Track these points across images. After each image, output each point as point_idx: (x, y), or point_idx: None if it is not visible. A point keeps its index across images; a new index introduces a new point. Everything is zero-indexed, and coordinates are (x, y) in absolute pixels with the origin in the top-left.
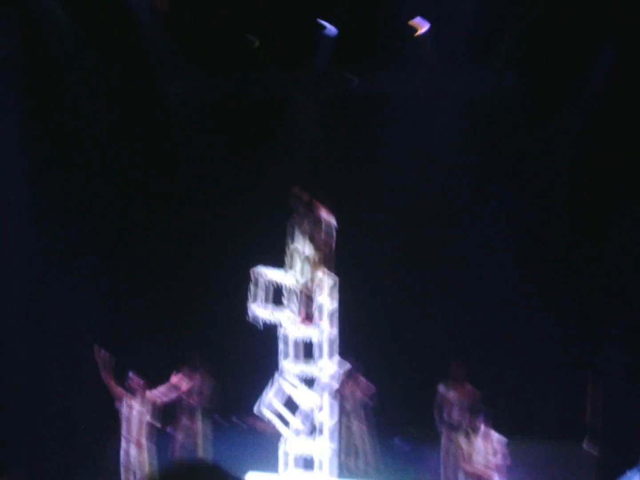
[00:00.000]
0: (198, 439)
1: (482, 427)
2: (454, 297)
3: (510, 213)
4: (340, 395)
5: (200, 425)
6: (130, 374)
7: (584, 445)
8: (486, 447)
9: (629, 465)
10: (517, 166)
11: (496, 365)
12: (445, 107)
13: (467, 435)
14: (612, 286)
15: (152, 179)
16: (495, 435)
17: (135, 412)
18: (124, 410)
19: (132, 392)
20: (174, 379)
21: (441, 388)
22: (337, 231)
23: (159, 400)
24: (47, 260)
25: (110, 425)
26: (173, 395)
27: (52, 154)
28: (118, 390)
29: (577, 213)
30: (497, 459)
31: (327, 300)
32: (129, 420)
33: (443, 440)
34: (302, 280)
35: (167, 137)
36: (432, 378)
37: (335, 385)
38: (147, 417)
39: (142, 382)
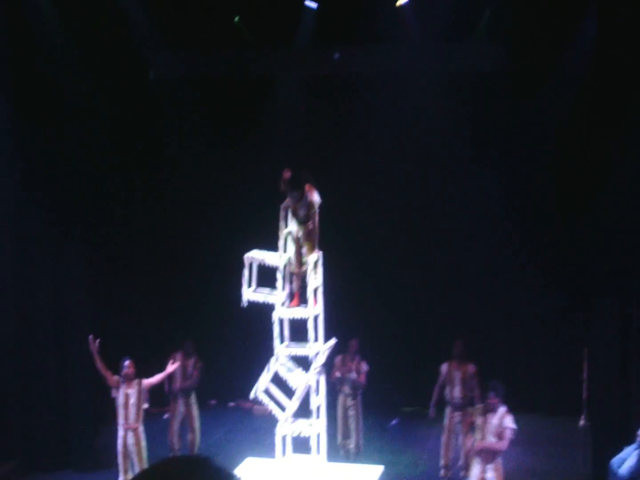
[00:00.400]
0: (194, 424)
1: (502, 408)
2: (448, 275)
3: (499, 186)
4: (337, 376)
5: (195, 410)
6: (126, 362)
7: (581, 422)
8: (498, 429)
9: (626, 440)
10: (505, 138)
11: (492, 343)
12: (430, 82)
13: (484, 414)
14: (606, 262)
15: (142, 165)
16: (509, 422)
17: (132, 400)
18: (121, 398)
19: (128, 380)
20: (171, 367)
21: (444, 367)
22: (323, 209)
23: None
24: (37, 248)
25: (103, 412)
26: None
27: (37, 139)
28: (114, 379)
29: (567, 184)
30: (503, 444)
31: (321, 281)
32: (126, 408)
33: (445, 421)
34: (296, 263)
35: (153, 120)
36: (429, 357)
37: (322, 361)
38: (144, 405)
39: (136, 369)
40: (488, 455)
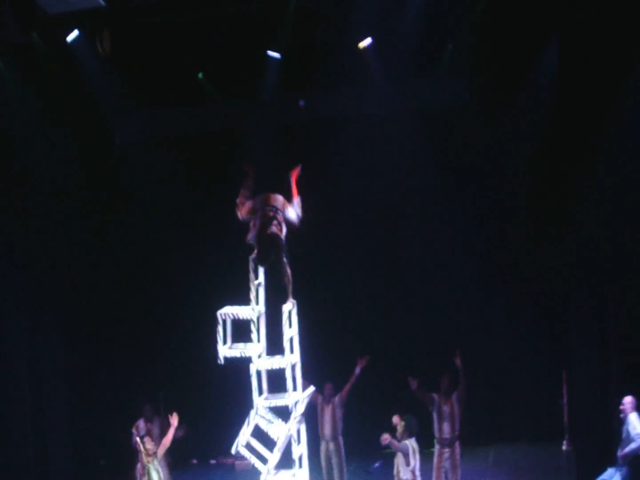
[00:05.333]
0: None
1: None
2: (417, 310)
3: (472, 219)
4: (318, 419)
5: (166, 474)
6: (145, 439)
7: (563, 446)
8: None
9: (609, 462)
10: (476, 171)
11: (470, 374)
12: (398, 122)
13: None
14: (582, 288)
15: (112, 225)
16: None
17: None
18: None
19: (150, 456)
20: (174, 420)
21: (435, 397)
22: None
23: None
24: (9, 317)
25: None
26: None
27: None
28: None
29: (538, 213)
30: None
31: (295, 330)
32: None
33: (434, 459)
34: (268, 314)
35: (123, 182)
36: (406, 397)
37: (302, 412)
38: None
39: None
40: None
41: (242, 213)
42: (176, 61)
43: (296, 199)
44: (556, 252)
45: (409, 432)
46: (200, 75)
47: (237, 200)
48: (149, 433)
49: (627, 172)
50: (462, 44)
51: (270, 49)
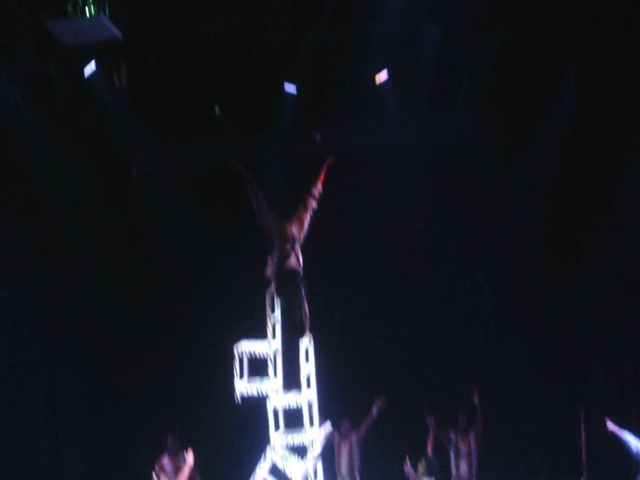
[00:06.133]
0: None
1: None
2: (434, 347)
3: (489, 255)
4: (335, 456)
5: None
6: (162, 475)
7: None
8: None
9: None
10: (493, 205)
11: (487, 412)
12: (414, 156)
13: None
14: (599, 325)
15: (128, 259)
16: None
17: None
18: None
19: None
20: (189, 458)
21: (452, 436)
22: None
23: None
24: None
25: None
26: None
27: (20, 244)
28: None
29: (557, 249)
30: None
31: (312, 366)
32: None
33: None
34: (285, 349)
35: (139, 215)
36: (419, 432)
37: (319, 449)
38: None
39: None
40: None
41: (262, 221)
42: (193, 94)
43: (318, 189)
44: (574, 289)
45: (428, 471)
46: (216, 109)
47: (254, 205)
48: (177, 471)
49: None
50: (479, 78)
51: (287, 82)
